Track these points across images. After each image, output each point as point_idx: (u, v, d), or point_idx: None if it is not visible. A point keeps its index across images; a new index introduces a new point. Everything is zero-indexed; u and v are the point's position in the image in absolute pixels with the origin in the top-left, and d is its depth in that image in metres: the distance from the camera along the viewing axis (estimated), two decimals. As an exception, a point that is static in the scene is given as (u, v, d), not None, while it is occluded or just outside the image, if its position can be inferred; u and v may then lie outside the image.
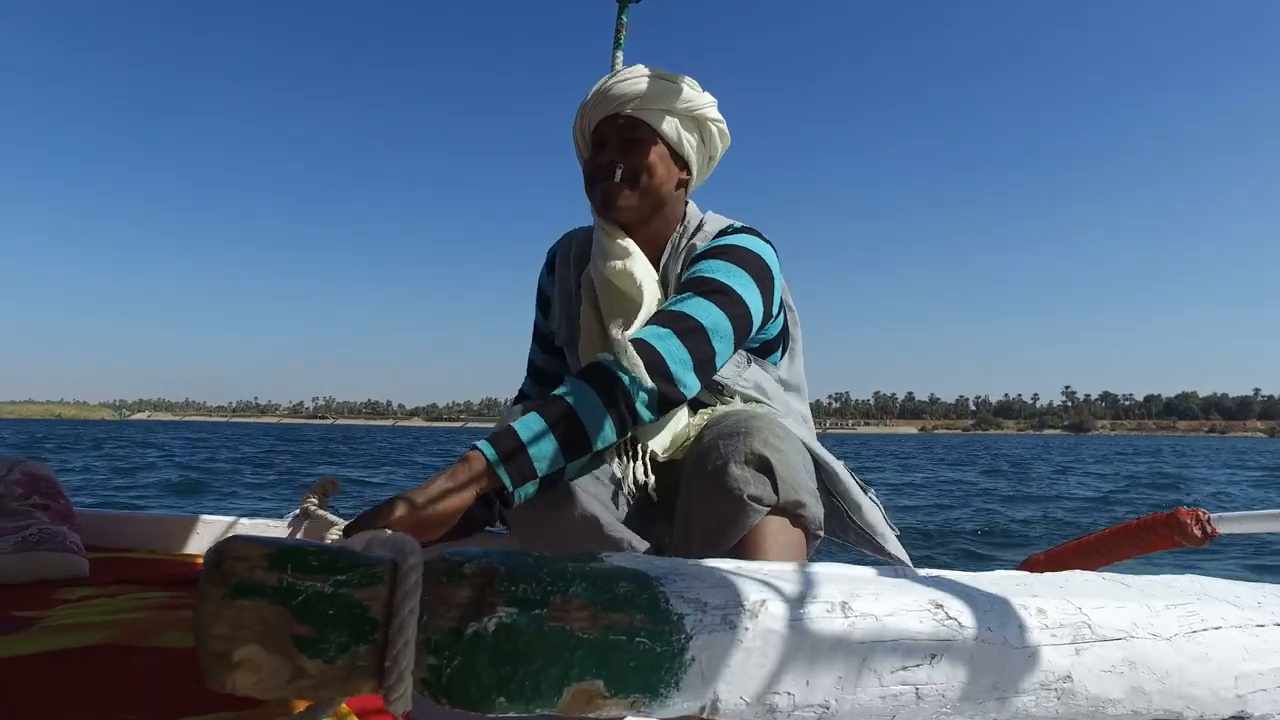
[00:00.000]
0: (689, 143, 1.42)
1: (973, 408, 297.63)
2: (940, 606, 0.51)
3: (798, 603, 0.48)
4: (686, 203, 1.48)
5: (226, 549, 0.40)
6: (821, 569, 0.53)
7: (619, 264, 1.36)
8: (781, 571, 0.51)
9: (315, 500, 2.09)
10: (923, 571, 0.61)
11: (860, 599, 0.49)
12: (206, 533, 2.09)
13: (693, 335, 1.19)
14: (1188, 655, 0.54)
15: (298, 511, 2.05)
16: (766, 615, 0.47)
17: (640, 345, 1.15)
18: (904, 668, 0.49)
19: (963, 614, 0.51)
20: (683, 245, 1.41)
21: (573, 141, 1.51)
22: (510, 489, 1.06)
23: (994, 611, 0.52)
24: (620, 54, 2.32)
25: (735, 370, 1.37)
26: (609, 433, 1.11)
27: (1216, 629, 0.57)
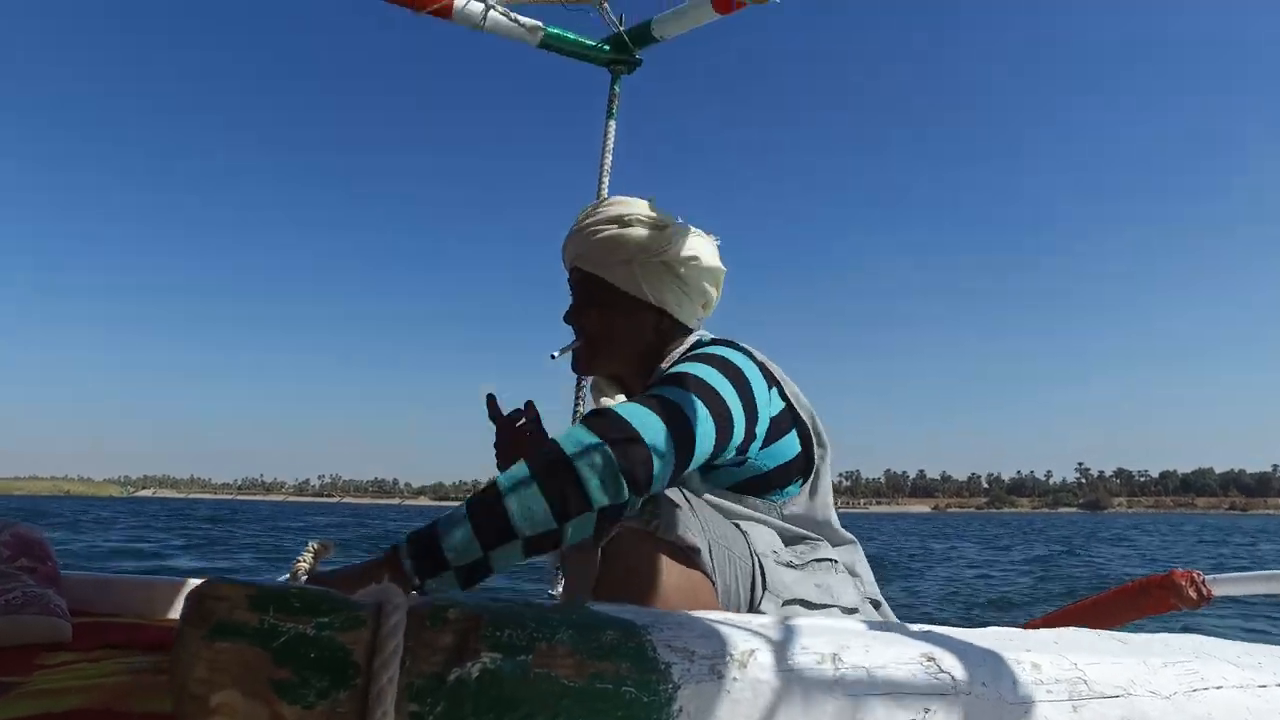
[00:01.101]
0: (654, 292, 1.34)
1: (985, 485, 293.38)
2: (933, 660, 0.50)
3: (787, 654, 0.47)
4: (685, 337, 1.39)
5: (207, 589, 0.40)
6: (812, 622, 0.52)
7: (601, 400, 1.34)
8: (771, 623, 0.51)
9: (307, 564, 2.05)
10: (915, 626, 0.60)
11: (851, 651, 0.49)
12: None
13: (665, 406, 1.04)
14: (1189, 714, 0.53)
15: (287, 575, 2.02)
16: (756, 665, 0.46)
17: (596, 412, 1.03)
18: (896, 721, 0.48)
19: (956, 668, 0.50)
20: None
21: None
22: (417, 581, 0.93)
23: (988, 665, 0.51)
24: (613, 124, 2.43)
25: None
26: (543, 517, 0.94)
27: (1218, 689, 0.55)
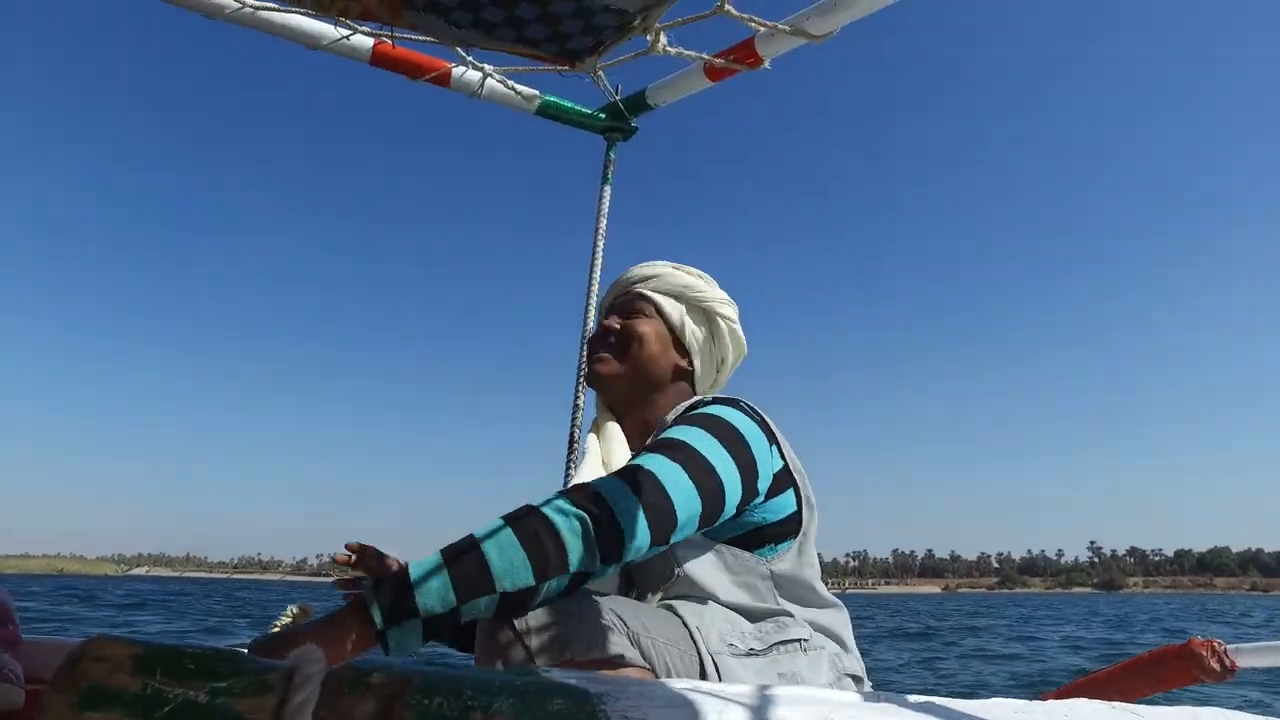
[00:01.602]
0: (694, 333, 1.39)
1: (996, 565, 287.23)
2: (933, 737, 0.44)
3: (765, 729, 0.41)
4: (690, 397, 1.41)
5: (87, 648, 0.34)
6: (793, 691, 0.46)
7: (592, 436, 1.32)
8: (747, 692, 0.45)
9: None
10: (913, 697, 0.54)
11: (839, 726, 0.43)
12: None
13: (642, 482, 1.04)
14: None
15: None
16: (728, 742, 0.40)
17: (579, 487, 1.03)
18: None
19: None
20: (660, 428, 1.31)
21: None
22: (381, 626, 0.91)
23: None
24: (608, 189, 2.45)
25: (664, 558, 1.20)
26: (523, 573, 0.94)
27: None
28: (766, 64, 1.95)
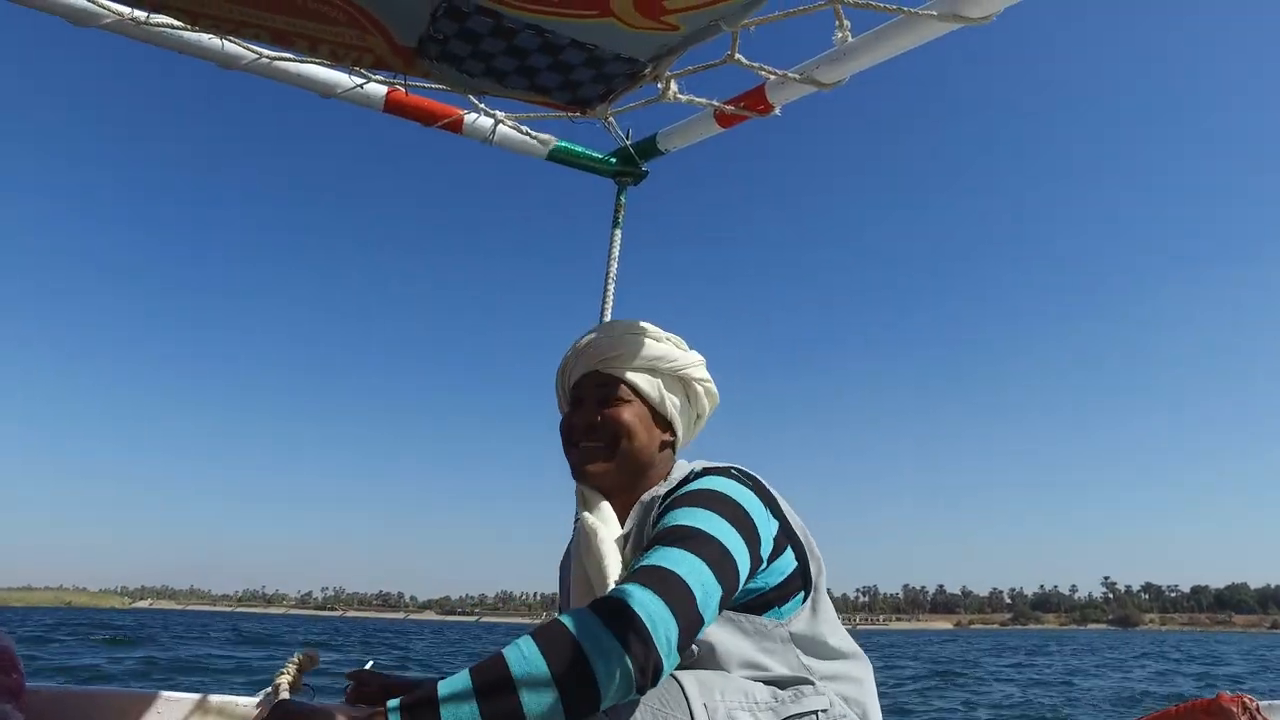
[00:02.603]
0: (672, 403, 1.38)
1: (1008, 601, 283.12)
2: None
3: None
4: (674, 462, 1.42)
5: None
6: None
7: (590, 521, 1.31)
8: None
9: (289, 678, 1.92)
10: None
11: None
12: (168, 712, 1.93)
13: (672, 590, 1.03)
14: None
15: (269, 689, 1.89)
16: None
17: (613, 606, 0.99)
18: None
19: None
20: (654, 504, 1.29)
21: (555, 391, 1.50)
22: None
23: None
24: (619, 233, 2.46)
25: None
26: (553, 713, 0.93)
27: None
28: (777, 110, 1.97)
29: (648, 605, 1.00)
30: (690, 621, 1.03)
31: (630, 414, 1.35)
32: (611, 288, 2.43)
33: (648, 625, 0.98)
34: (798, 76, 1.80)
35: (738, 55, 1.68)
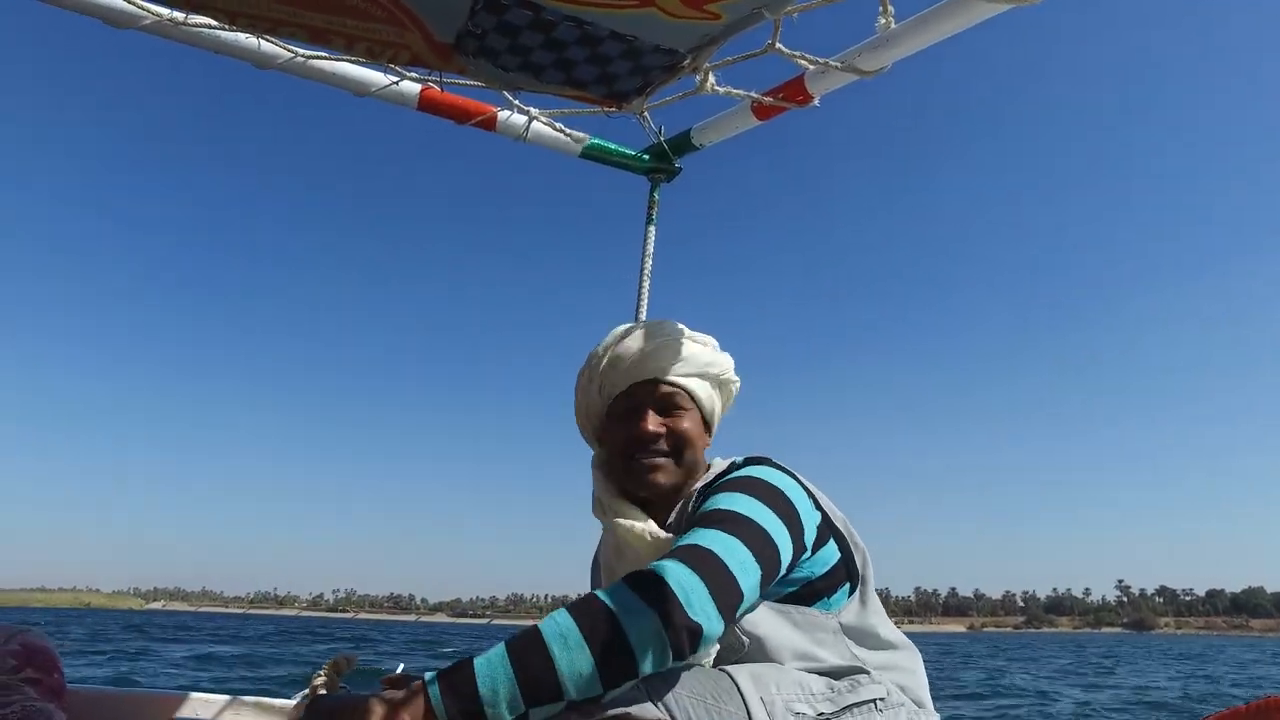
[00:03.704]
0: (716, 407, 1.43)
1: (1021, 604, 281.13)
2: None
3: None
4: (710, 461, 1.43)
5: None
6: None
7: (630, 524, 1.29)
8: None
9: (325, 680, 1.91)
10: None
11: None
12: (204, 711, 1.95)
13: (704, 562, 1.04)
14: None
15: (306, 691, 1.89)
16: None
17: (643, 576, 1.01)
18: None
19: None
20: (693, 497, 1.32)
21: (575, 395, 1.47)
22: None
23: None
24: (653, 229, 2.43)
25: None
26: (591, 683, 0.94)
27: None
28: (816, 101, 1.94)
29: (677, 573, 1.02)
30: (724, 592, 1.03)
31: (690, 423, 1.37)
32: (646, 285, 2.40)
33: (676, 590, 0.99)
34: (839, 65, 1.77)
35: (779, 44, 1.66)
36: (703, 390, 1.38)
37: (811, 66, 1.80)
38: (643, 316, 2.37)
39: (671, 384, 1.36)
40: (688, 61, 1.61)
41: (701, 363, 1.38)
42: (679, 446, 1.35)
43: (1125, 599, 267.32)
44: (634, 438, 1.35)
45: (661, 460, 1.34)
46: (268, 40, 1.92)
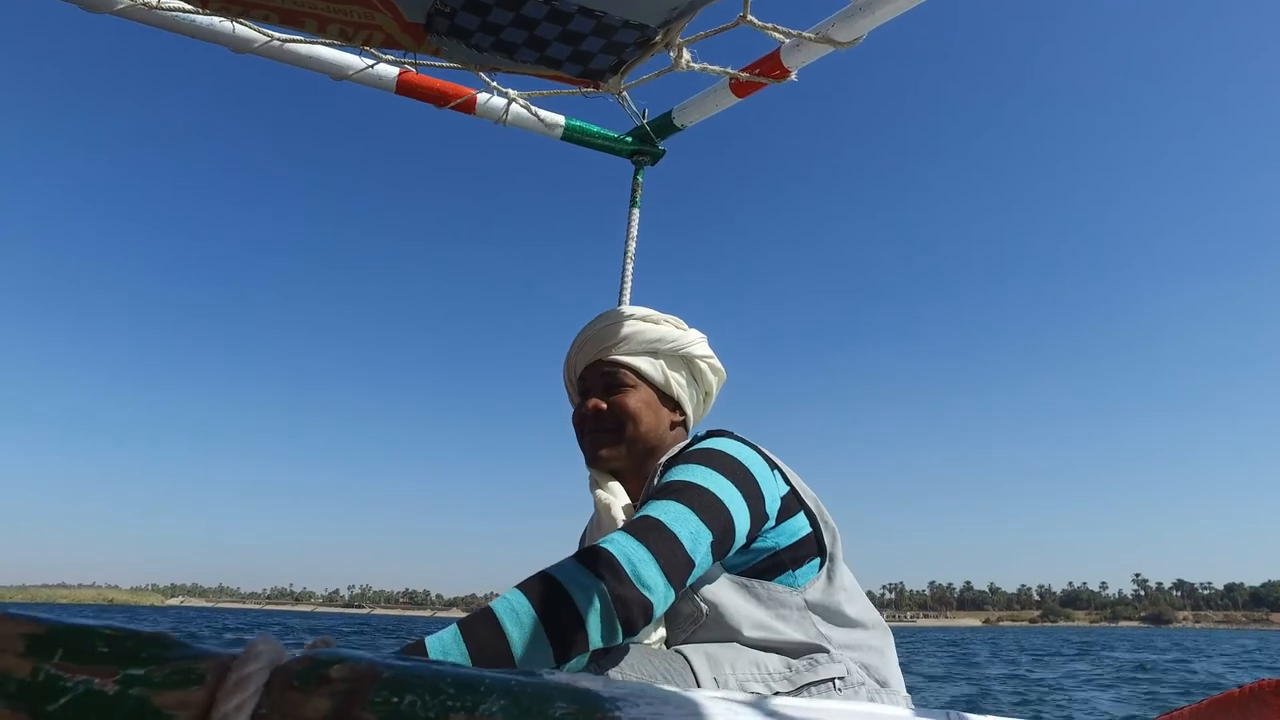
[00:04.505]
0: (677, 383, 1.42)
1: (1037, 597, 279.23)
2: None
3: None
4: (686, 439, 1.44)
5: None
6: (839, 705, 0.40)
7: (603, 498, 1.34)
8: (790, 705, 0.38)
9: None
10: (972, 717, 0.47)
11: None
12: None
13: (651, 532, 1.05)
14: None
15: None
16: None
17: (591, 550, 1.03)
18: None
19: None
20: (657, 471, 1.33)
21: (564, 385, 1.56)
22: None
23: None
24: (637, 212, 2.41)
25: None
26: (544, 658, 0.95)
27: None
28: (794, 76, 1.91)
29: (623, 545, 1.03)
30: (672, 560, 1.04)
31: (635, 399, 1.38)
32: (630, 268, 2.38)
33: (622, 561, 1.01)
34: (813, 36, 1.74)
35: (750, 16, 1.63)
36: (649, 366, 1.40)
37: (785, 39, 1.77)
38: (626, 300, 2.35)
39: (613, 363, 1.40)
40: (660, 37, 1.58)
41: (648, 339, 1.40)
42: (620, 422, 1.37)
43: (1142, 593, 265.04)
44: (578, 419, 1.43)
45: (603, 436, 1.38)
46: (242, 24, 1.91)
